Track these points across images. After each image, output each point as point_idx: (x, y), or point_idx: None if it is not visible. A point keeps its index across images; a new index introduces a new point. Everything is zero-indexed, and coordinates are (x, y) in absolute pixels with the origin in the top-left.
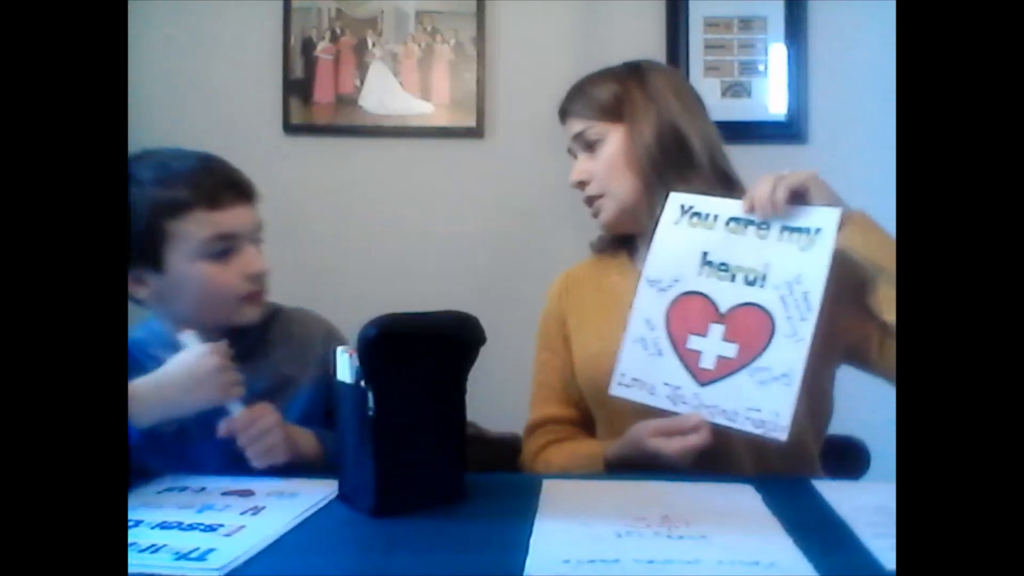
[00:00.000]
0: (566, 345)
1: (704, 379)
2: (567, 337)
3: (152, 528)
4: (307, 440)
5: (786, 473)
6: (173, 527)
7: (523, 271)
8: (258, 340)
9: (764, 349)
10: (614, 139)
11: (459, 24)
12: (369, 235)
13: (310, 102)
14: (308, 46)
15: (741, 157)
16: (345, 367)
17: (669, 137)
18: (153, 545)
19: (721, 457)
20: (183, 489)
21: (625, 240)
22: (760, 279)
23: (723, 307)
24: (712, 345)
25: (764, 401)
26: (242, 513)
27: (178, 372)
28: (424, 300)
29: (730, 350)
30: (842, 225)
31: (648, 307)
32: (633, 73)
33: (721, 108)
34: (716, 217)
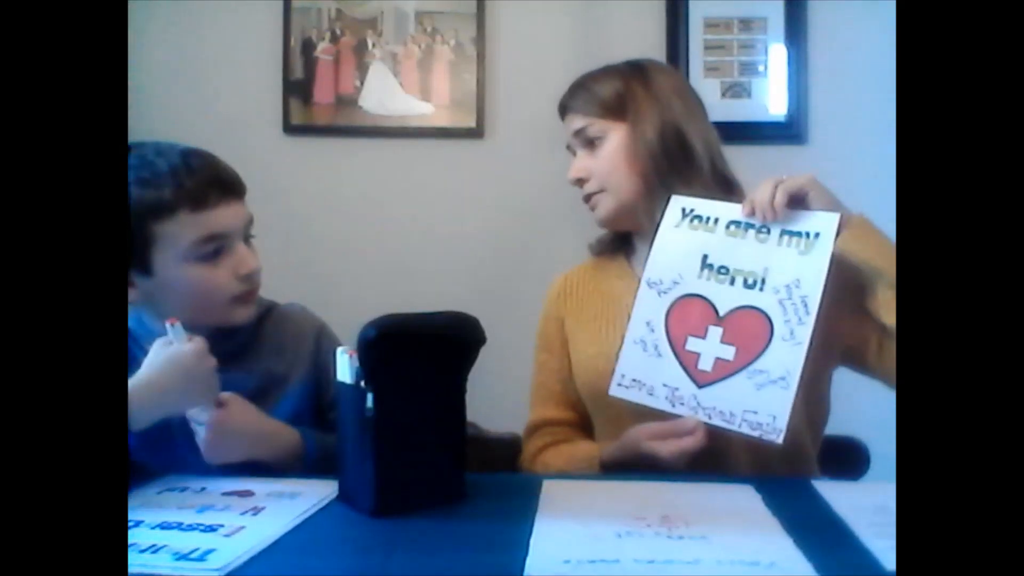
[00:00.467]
0: (564, 347)
1: (702, 381)
2: (565, 339)
3: (152, 528)
4: (280, 439)
5: (783, 475)
6: (173, 527)
7: (523, 271)
8: (250, 338)
9: (762, 352)
10: (615, 137)
11: (459, 24)
12: (369, 235)
13: (310, 102)
14: (308, 46)
15: (741, 158)
16: (345, 367)
17: (671, 137)
18: (153, 545)
19: (718, 459)
20: (183, 489)
21: (623, 242)
22: (759, 282)
23: (722, 310)
24: (711, 347)
25: (761, 404)
26: (242, 513)
27: (171, 374)
28: (424, 300)
29: (728, 352)
30: (841, 229)
31: (648, 309)
32: (636, 71)
33: (721, 109)
34: (716, 220)
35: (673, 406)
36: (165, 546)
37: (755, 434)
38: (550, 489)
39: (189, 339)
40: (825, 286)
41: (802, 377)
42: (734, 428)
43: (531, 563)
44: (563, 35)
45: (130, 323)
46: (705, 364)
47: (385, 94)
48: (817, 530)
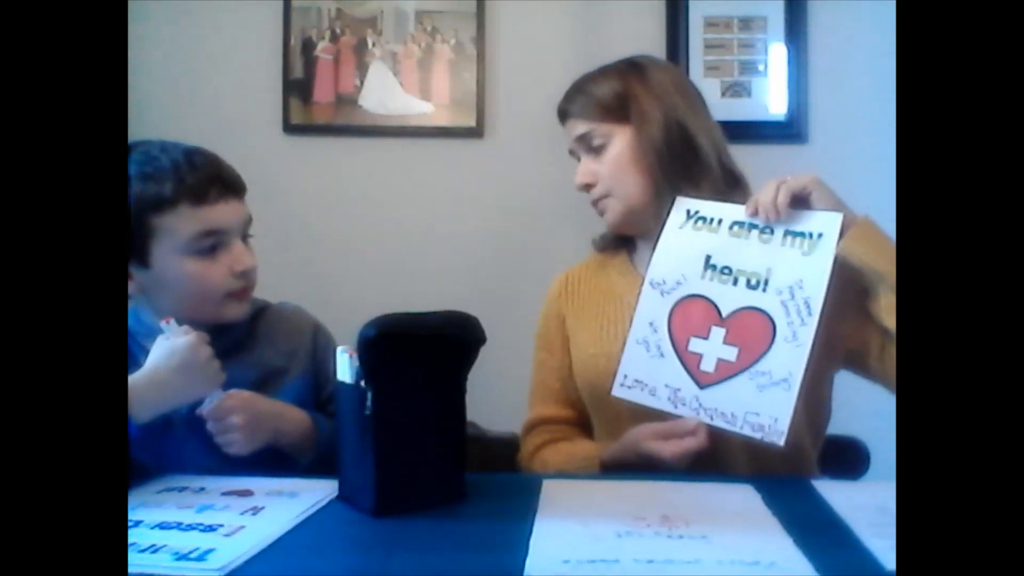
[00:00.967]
0: (565, 346)
1: (704, 382)
2: (566, 338)
3: (152, 528)
4: (295, 423)
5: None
6: (173, 527)
7: (523, 271)
8: (245, 335)
9: (764, 353)
10: (620, 140)
11: (459, 24)
12: (369, 235)
13: (310, 102)
14: (308, 46)
15: (741, 157)
16: (345, 367)
17: (676, 136)
18: (153, 545)
19: (717, 460)
20: (183, 489)
21: (626, 240)
22: (762, 283)
23: (725, 311)
24: (713, 348)
25: (763, 405)
26: (242, 513)
27: (171, 365)
28: (424, 300)
29: (731, 353)
30: (845, 230)
31: (651, 309)
32: (634, 70)
33: (721, 108)
34: (720, 221)
35: (675, 407)
36: (165, 546)
37: (757, 436)
38: (550, 489)
39: (185, 332)
40: (828, 287)
41: (804, 379)
42: (736, 429)
43: (531, 563)
44: (563, 35)
45: (129, 322)
46: (707, 365)
47: (385, 93)
48: (817, 530)
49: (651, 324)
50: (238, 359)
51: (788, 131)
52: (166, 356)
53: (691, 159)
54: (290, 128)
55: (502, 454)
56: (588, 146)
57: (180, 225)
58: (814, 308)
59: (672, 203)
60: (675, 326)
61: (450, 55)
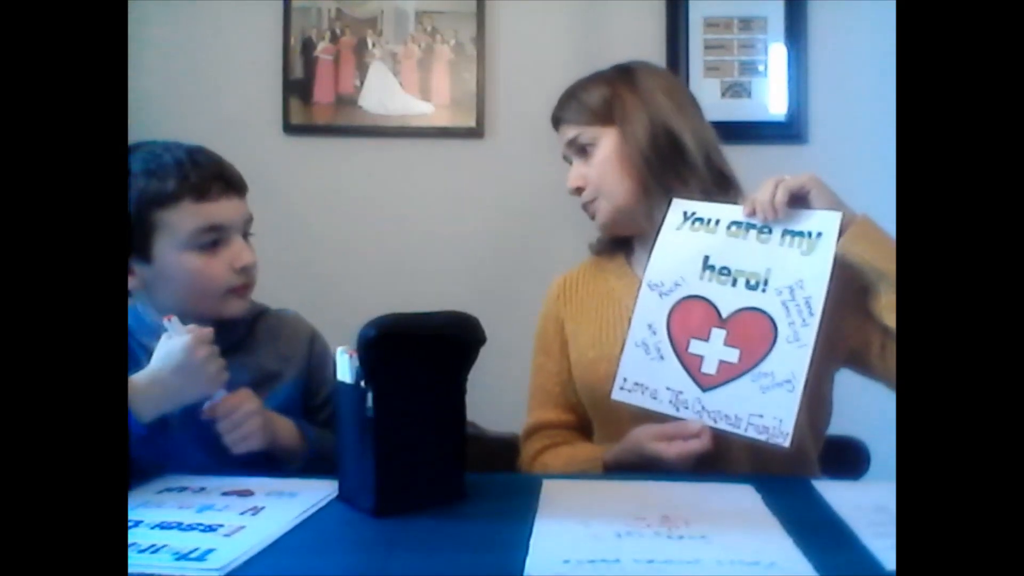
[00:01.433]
0: (563, 349)
1: (706, 384)
2: (564, 341)
3: (152, 528)
4: (287, 429)
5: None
6: (173, 527)
7: (523, 271)
8: (244, 335)
9: (766, 354)
10: (607, 142)
11: (459, 24)
12: (369, 235)
13: (310, 102)
14: (308, 46)
15: (741, 157)
16: (345, 367)
17: (662, 137)
18: (153, 545)
19: (719, 460)
20: (183, 489)
21: (623, 242)
22: (762, 283)
23: (725, 312)
24: (714, 350)
25: (767, 407)
26: (242, 513)
27: (170, 366)
28: (424, 300)
29: (732, 355)
30: (844, 229)
31: (650, 311)
32: (623, 75)
33: (721, 108)
34: (718, 221)
35: (677, 410)
36: (165, 546)
37: (762, 437)
38: (550, 489)
39: (189, 331)
40: (828, 287)
41: (807, 379)
42: (740, 432)
43: (531, 563)
44: (563, 35)
45: (128, 320)
46: (709, 367)
47: (385, 94)
48: (817, 530)
49: (650, 326)
50: (235, 360)
51: (788, 131)
52: (165, 357)
53: (677, 159)
54: (290, 128)
55: (502, 454)
56: (578, 149)
57: (182, 221)
58: (815, 308)
59: (668, 204)
60: (674, 328)
61: (450, 55)
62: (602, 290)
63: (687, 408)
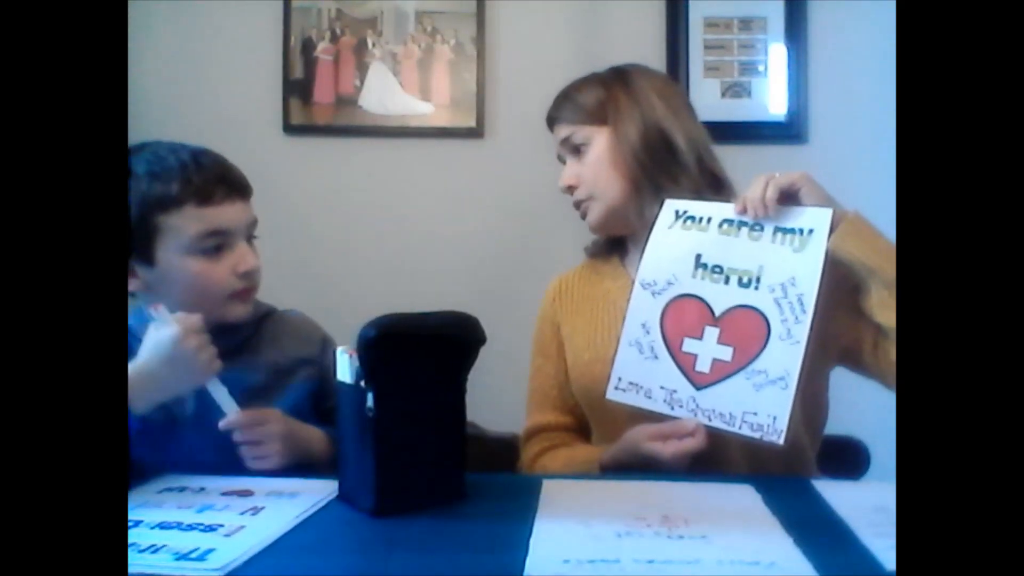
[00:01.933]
0: (560, 352)
1: (700, 383)
2: (561, 344)
3: (152, 528)
4: (318, 440)
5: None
6: (173, 527)
7: (523, 271)
8: (250, 337)
9: (760, 352)
10: (599, 141)
11: (459, 24)
12: (369, 235)
13: (310, 102)
14: (308, 46)
15: (741, 157)
16: (345, 367)
17: (654, 137)
18: (153, 545)
19: (716, 460)
20: (183, 489)
21: (617, 244)
22: (754, 281)
23: (718, 310)
24: (707, 348)
25: (761, 405)
26: (242, 513)
27: (159, 358)
28: (424, 300)
29: (725, 353)
30: (835, 226)
31: (643, 311)
32: (618, 77)
33: (721, 108)
34: (709, 220)
35: (672, 408)
36: (165, 546)
37: (756, 435)
38: (550, 489)
39: (176, 319)
40: (820, 283)
41: (800, 377)
42: (734, 430)
43: (531, 563)
44: (563, 35)
45: (132, 320)
46: (703, 366)
47: (385, 94)
48: (817, 530)
49: (643, 325)
50: (243, 361)
51: (788, 131)
52: (153, 348)
53: (669, 160)
54: (290, 128)
55: (502, 454)
56: (571, 148)
57: (185, 224)
58: (807, 305)
59: (660, 205)
60: (668, 327)
61: (450, 55)
62: (597, 292)
63: (681, 407)
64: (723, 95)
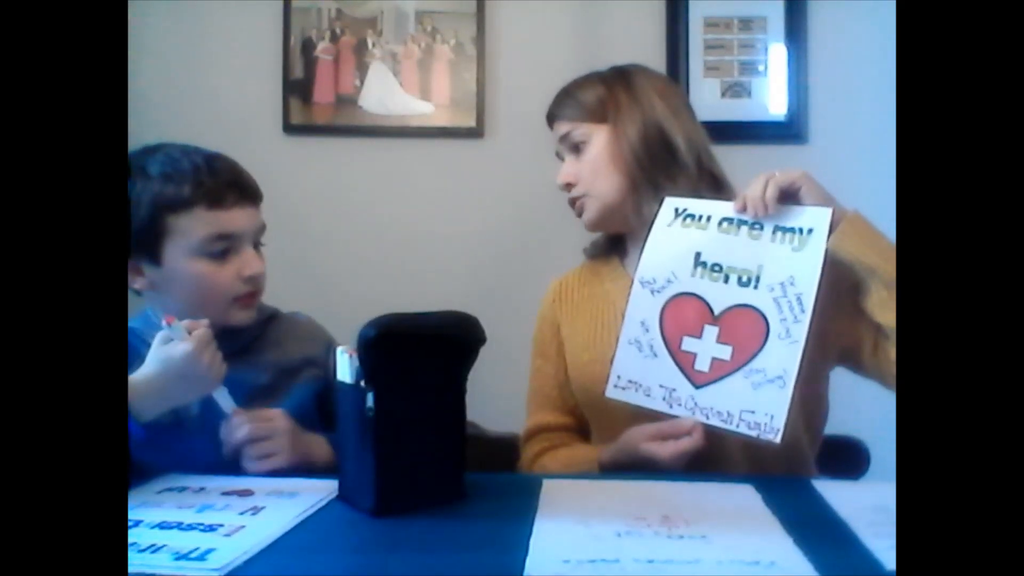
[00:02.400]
0: (560, 352)
1: (699, 381)
2: (561, 344)
3: (152, 528)
4: (319, 444)
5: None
6: (173, 527)
7: (523, 271)
8: (255, 339)
9: (758, 351)
10: (599, 139)
11: (459, 24)
12: (369, 235)
13: (310, 102)
14: (308, 46)
15: (741, 157)
16: (345, 367)
17: (654, 137)
18: (153, 545)
19: (714, 459)
20: (183, 489)
21: (617, 244)
22: (753, 280)
23: (717, 309)
24: (707, 347)
25: (759, 403)
26: (242, 513)
27: (169, 374)
28: (424, 300)
29: (725, 352)
30: (835, 225)
31: (642, 309)
32: (618, 76)
33: (721, 108)
34: (709, 218)
35: (670, 407)
36: (165, 546)
37: (753, 434)
38: (550, 489)
39: (189, 328)
40: (820, 283)
41: (799, 376)
42: (732, 428)
43: (531, 563)
44: (563, 35)
45: (137, 322)
46: (702, 364)
47: (385, 94)
48: (817, 530)
49: (642, 324)
50: (248, 362)
51: (788, 131)
52: (164, 363)
53: (668, 159)
54: (290, 128)
55: (502, 454)
56: (570, 145)
57: (194, 227)
58: (806, 304)
59: (659, 204)
60: (667, 325)
61: (450, 55)
62: (597, 292)
63: (680, 405)
64: (723, 95)
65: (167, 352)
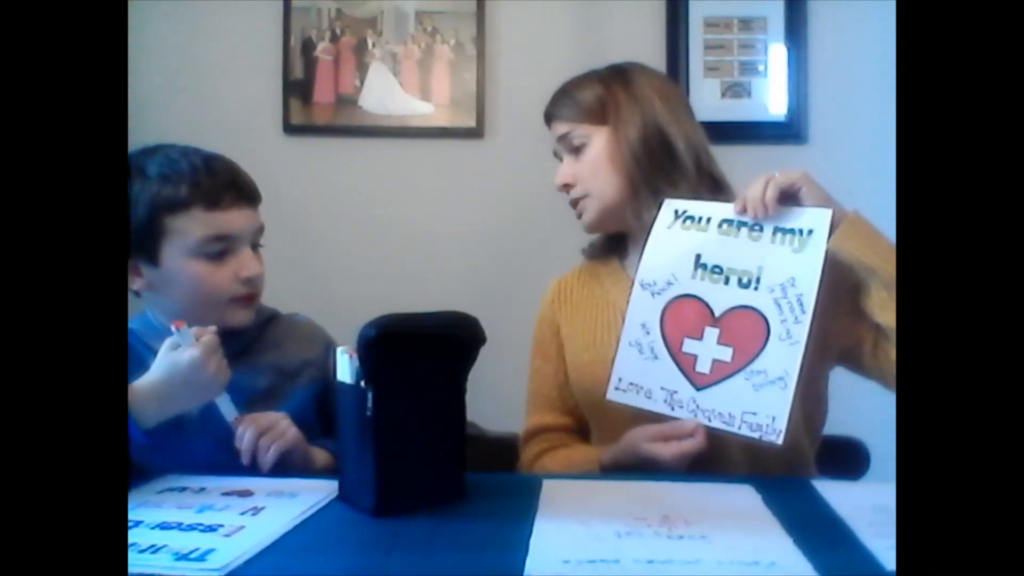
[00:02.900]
0: (560, 353)
1: (700, 383)
2: (561, 345)
3: (152, 528)
4: (322, 456)
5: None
6: (173, 527)
7: (523, 271)
8: (255, 340)
9: (759, 352)
10: (598, 140)
11: (459, 24)
12: (369, 235)
13: (310, 102)
14: (308, 46)
15: (741, 157)
16: (345, 367)
17: (653, 138)
18: (153, 545)
19: (716, 460)
20: (183, 489)
21: (616, 245)
22: (754, 281)
23: (717, 310)
24: (707, 349)
25: (760, 405)
26: (242, 513)
27: (174, 381)
28: (424, 300)
29: (725, 354)
30: (835, 226)
31: (643, 311)
32: (617, 75)
33: (721, 108)
34: (709, 220)
35: (672, 409)
36: (165, 546)
37: (755, 435)
38: (550, 489)
39: (197, 334)
40: (820, 284)
41: (800, 377)
42: (734, 430)
43: (531, 563)
44: (563, 35)
45: (136, 323)
46: (703, 366)
47: (385, 94)
48: (817, 530)
49: (643, 326)
50: (248, 364)
51: (788, 131)
52: (171, 368)
53: (667, 160)
54: (290, 129)
55: (502, 454)
56: (569, 146)
57: (192, 227)
58: (807, 305)
59: (658, 206)
60: (668, 327)
61: (450, 55)
62: (596, 293)
63: (681, 407)
64: (723, 95)
65: (174, 358)
